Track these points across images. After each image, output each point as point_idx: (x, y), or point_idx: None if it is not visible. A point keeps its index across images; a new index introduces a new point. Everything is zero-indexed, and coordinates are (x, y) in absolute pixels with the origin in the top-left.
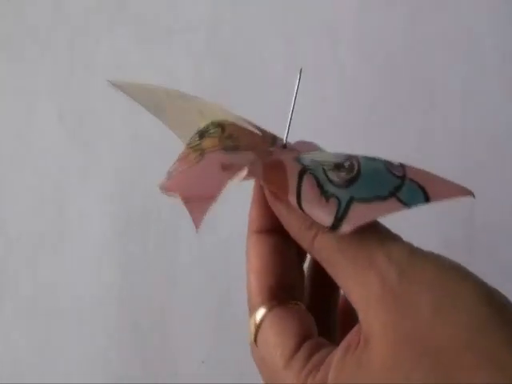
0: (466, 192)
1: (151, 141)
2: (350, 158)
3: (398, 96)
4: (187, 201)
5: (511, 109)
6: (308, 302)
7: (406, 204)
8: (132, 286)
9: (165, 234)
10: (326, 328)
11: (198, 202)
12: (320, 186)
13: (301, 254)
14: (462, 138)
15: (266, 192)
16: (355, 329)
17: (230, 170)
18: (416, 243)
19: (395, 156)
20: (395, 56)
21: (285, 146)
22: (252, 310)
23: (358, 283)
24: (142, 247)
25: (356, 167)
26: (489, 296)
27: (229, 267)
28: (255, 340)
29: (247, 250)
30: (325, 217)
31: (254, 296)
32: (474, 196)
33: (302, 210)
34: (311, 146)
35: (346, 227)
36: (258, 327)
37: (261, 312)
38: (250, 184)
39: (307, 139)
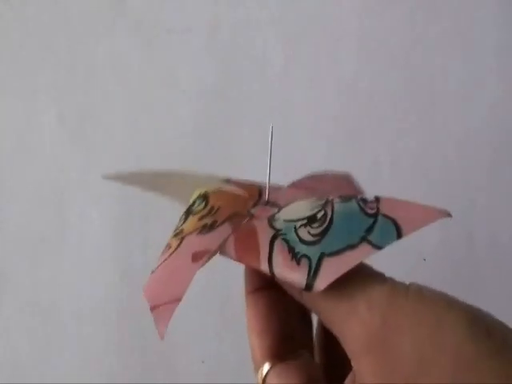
0: (443, 214)
1: (151, 141)
2: (324, 205)
3: (397, 96)
4: (154, 309)
5: (511, 109)
6: (324, 358)
7: (377, 246)
8: (132, 286)
9: (165, 234)
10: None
11: (163, 308)
12: (291, 249)
13: None
14: (461, 137)
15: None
16: (350, 377)
17: (199, 259)
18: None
19: (395, 155)
20: (395, 56)
21: (267, 203)
22: (257, 366)
23: (346, 333)
24: (142, 247)
25: (329, 216)
26: (474, 325)
27: (229, 267)
28: None
29: (246, 310)
30: (298, 279)
31: (257, 354)
32: (450, 216)
33: (274, 275)
34: (318, 178)
35: (320, 284)
36: (264, 380)
37: (265, 368)
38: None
39: (307, 140)
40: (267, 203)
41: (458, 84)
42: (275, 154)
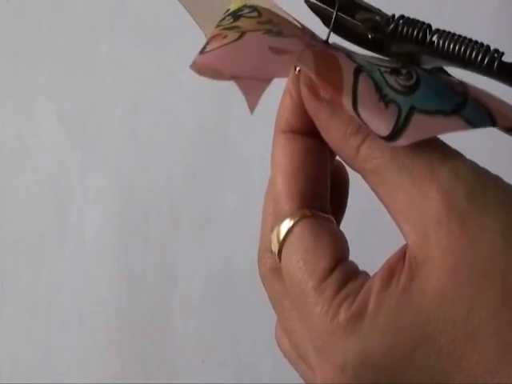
0: None
1: (151, 141)
2: (405, 66)
3: None
4: (239, 80)
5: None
6: None
7: (472, 123)
8: (132, 285)
9: (165, 234)
10: None
11: (254, 83)
12: (378, 88)
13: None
14: (461, 137)
15: (303, 90)
16: (398, 253)
17: (281, 54)
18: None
19: None
20: None
21: (327, 43)
22: (278, 215)
23: (414, 199)
24: (141, 247)
25: (414, 75)
26: None
27: (229, 267)
28: (280, 250)
29: (274, 151)
30: (382, 124)
31: (282, 202)
32: None
33: (358, 115)
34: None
35: (405, 139)
36: (285, 238)
37: (289, 221)
38: (248, 177)
39: None
40: (327, 44)
41: None
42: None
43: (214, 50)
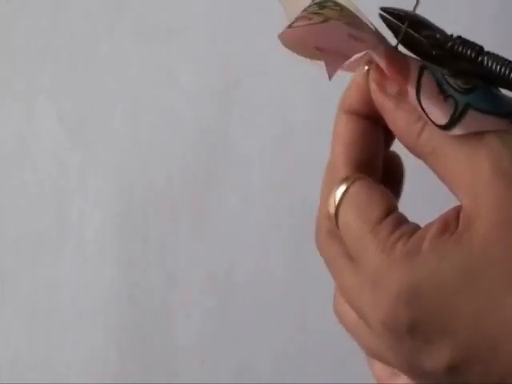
0: None
1: (151, 141)
2: (464, 76)
3: None
4: (324, 53)
5: None
6: None
7: None
8: (132, 285)
9: (165, 233)
10: None
11: (334, 57)
12: (439, 84)
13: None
14: None
15: (372, 85)
16: (453, 210)
17: (358, 41)
18: None
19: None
20: None
21: (396, 48)
22: (334, 181)
23: (467, 167)
24: (141, 247)
25: (472, 82)
26: None
27: (229, 266)
28: (337, 209)
29: (335, 126)
30: (440, 114)
31: (339, 167)
32: None
33: (420, 103)
34: None
35: (459, 129)
36: (343, 195)
37: (345, 183)
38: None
39: (306, 139)
40: (396, 48)
41: None
42: (275, 152)
43: (300, 26)
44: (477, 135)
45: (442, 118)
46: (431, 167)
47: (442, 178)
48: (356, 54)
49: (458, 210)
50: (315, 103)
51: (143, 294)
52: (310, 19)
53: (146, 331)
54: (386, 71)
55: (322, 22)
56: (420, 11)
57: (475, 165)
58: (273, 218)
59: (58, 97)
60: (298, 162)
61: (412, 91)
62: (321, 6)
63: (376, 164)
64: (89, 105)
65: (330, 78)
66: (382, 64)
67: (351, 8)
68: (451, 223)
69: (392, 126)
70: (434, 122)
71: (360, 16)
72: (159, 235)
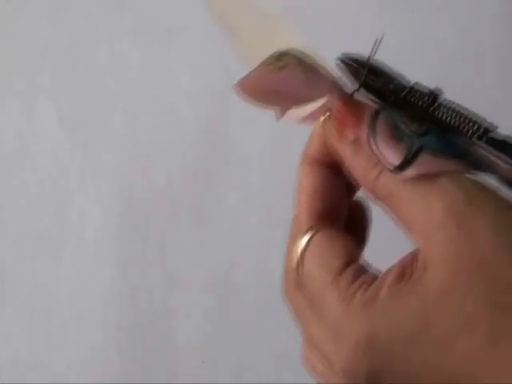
0: None
1: (151, 141)
2: (421, 119)
3: None
4: (276, 95)
5: (511, 108)
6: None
7: (475, 168)
8: (132, 285)
9: (165, 233)
10: None
11: (278, 99)
12: (394, 127)
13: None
14: None
15: (332, 132)
16: (410, 255)
17: (312, 87)
18: None
19: None
20: (394, 56)
21: (352, 94)
22: (298, 232)
23: (421, 209)
24: (141, 247)
25: (427, 126)
26: None
27: (229, 266)
28: (301, 260)
29: (300, 179)
30: (393, 157)
31: (304, 217)
32: None
33: (371, 146)
34: None
35: (412, 171)
36: (306, 246)
37: (308, 234)
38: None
39: (307, 138)
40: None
41: (458, 84)
42: (275, 152)
43: (258, 71)
44: (431, 178)
45: (394, 160)
46: (390, 211)
47: (399, 220)
48: (312, 99)
49: (414, 254)
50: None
51: (143, 293)
52: (268, 64)
53: (146, 331)
54: (340, 117)
55: (281, 68)
56: (420, 11)
57: (429, 207)
58: (273, 218)
59: (58, 97)
60: (298, 162)
61: (364, 136)
62: (283, 53)
63: (339, 212)
64: (89, 105)
65: (277, 118)
66: (336, 110)
67: (309, 57)
68: (407, 269)
69: (351, 172)
70: (387, 165)
71: (318, 63)
72: (159, 235)
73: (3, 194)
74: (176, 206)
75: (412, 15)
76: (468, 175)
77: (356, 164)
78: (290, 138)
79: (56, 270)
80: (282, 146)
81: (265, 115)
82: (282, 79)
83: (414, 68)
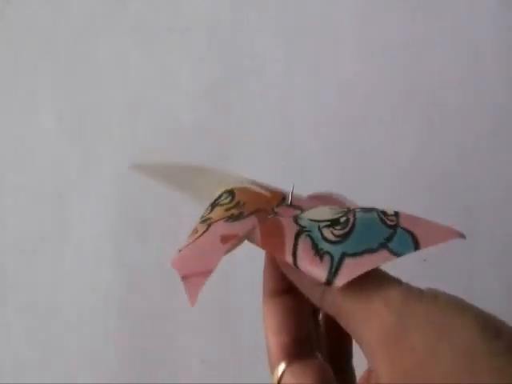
0: (458, 235)
1: (151, 141)
2: (347, 213)
3: (397, 96)
4: (185, 279)
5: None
6: (327, 350)
7: (396, 253)
8: (132, 286)
9: (165, 234)
10: (345, 373)
11: (195, 278)
12: (315, 245)
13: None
14: (462, 138)
15: (277, 259)
16: (366, 372)
17: (228, 241)
18: None
19: (394, 155)
20: (395, 56)
21: (290, 205)
22: (273, 366)
23: (364, 330)
24: (141, 247)
25: (351, 222)
26: (485, 326)
27: (229, 267)
28: None
29: (263, 312)
30: (319, 273)
31: (273, 354)
32: (464, 237)
33: (300, 269)
34: (327, 198)
35: (340, 281)
36: (280, 379)
37: (281, 368)
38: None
39: (306, 140)
40: (290, 205)
41: (458, 84)
42: (274, 153)
43: (180, 253)
44: (365, 302)
45: (321, 275)
46: (339, 323)
47: (350, 334)
48: (232, 244)
49: (371, 371)
50: (315, 103)
51: (143, 293)
52: (196, 232)
53: (146, 331)
54: (267, 248)
55: (204, 232)
56: (420, 11)
57: (369, 329)
58: None
59: (58, 97)
60: (298, 161)
61: (290, 260)
62: (213, 205)
63: (306, 330)
64: (89, 105)
65: (191, 304)
66: (260, 246)
67: (245, 186)
68: None
69: (301, 290)
70: (320, 281)
71: (256, 190)
72: (159, 235)
73: (3, 193)
74: (176, 205)
75: (412, 15)
76: (398, 288)
77: (302, 286)
78: (290, 138)
79: (56, 270)
80: (282, 146)
81: (265, 115)
82: (198, 247)
83: (414, 68)
